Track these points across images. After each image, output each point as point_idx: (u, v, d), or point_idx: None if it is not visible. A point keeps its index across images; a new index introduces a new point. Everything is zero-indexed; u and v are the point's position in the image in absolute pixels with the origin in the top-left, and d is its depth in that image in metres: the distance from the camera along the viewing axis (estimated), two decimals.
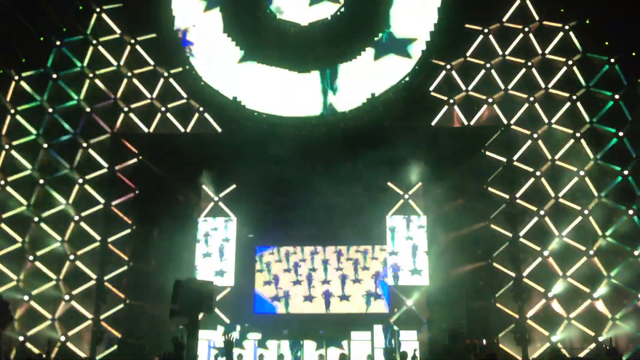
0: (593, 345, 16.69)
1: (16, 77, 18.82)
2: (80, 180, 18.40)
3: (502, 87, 18.66)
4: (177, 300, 7.07)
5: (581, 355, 16.56)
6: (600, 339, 16.68)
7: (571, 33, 18.71)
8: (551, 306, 17.32)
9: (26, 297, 17.44)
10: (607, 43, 18.42)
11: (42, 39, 19.11)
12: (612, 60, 18.26)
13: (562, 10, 18.85)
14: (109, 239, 18.23)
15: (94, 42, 19.25)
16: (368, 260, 19.78)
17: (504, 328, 17.46)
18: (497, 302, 17.75)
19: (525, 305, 17.37)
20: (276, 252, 20.03)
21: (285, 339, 17.51)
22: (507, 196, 18.18)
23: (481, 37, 19.03)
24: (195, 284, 7.06)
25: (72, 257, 17.88)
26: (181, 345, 8.14)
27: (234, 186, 20.17)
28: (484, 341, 17.29)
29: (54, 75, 18.91)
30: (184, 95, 19.05)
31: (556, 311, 17.25)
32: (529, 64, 18.64)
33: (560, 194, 17.89)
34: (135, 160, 19.11)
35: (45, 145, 18.49)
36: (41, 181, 18.29)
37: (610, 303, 17.07)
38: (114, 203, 18.51)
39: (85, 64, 19.14)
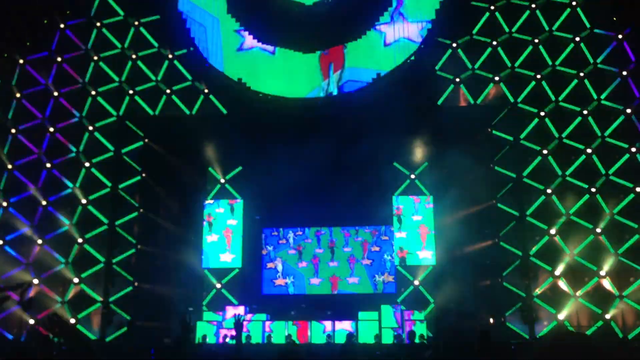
0: (600, 323, 16.72)
1: (21, 61, 18.81)
2: (87, 164, 18.44)
3: (509, 65, 18.50)
4: None
5: (588, 333, 16.62)
6: (607, 316, 16.71)
7: (578, 9, 18.50)
8: (558, 284, 17.32)
9: (36, 281, 17.59)
10: (615, 19, 18.21)
11: (45, 21, 19.06)
12: (620, 36, 18.07)
13: None
14: (117, 222, 18.30)
15: (98, 24, 19.17)
16: (368, 242, 19.80)
17: (511, 306, 17.48)
18: (504, 280, 17.76)
19: (532, 284, 17.37)
20: (282, 234, 20.07)
21: (293, 319, 17.55)
22: (514, 175, 18.11)
23: (487, 14, 18.82)
24: None
25: (80, 240, 17.99)
26: (188, 326, 8.21)
27: (240, 168, 20.17)
28: (491, 320, 17.40)
29: (59, 59, 18.89)
30: (189, 77, 18.98)
31: (563, 289, 17.26)
32: (536, 41, 18.45)
33: (568, 172, 17.81)
34: (141, 143, 19.11)
35: (51, 129, 18.52)
36: (48, 165, 18.34)
37: (617, 280, 17.05)
38: (120, 186, 18.54)
39: (89, 46, 19.10)
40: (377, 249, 19.73)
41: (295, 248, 19.96)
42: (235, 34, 19.31)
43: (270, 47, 19.10)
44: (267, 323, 17.17)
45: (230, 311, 17.56)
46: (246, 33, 19.32)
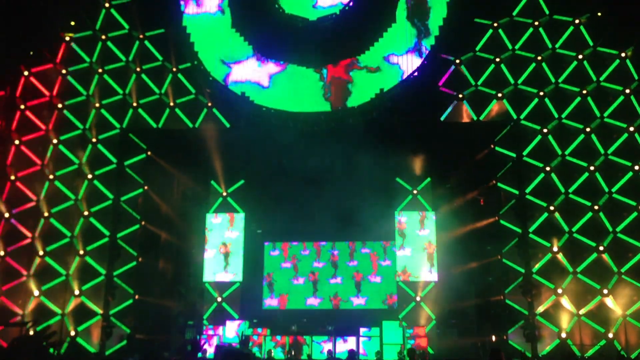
0: (603, 342, 16.60)
1: (26, 73, 18.88)
2: (90, 176, 18.44)
3: (512, 81, 18.53)
4: None
5: (590, 352, 16.51)
6: (610, 335, 16.61)
7: (582, 27, 18.56)
8: (560, 302, 17.22)
9: (36, 292, 17.53)
10: (618, 36, 18.25)
11: (49, 32, 19.13)
12: (623, 54, 18.12)
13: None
14: (118, 234, 18.25)
15: (103, 37, 19.26)
16: (378, 256, 19.68)
17: (514, 324, 17.36)
18: (507, 298, 17.66)
19: (534, 302, 17.25)
20: (284, 248, 19.97)
21: (293, 334, 17.43)
22: (516, 191, 18.06)
23: (491, 31, 18.88)
24: (234, 354, 6.84)
25: (81, 252, 17.94)
26: (198, 345, 8.25)
27: (242, 181, 20.17)
28: (493, 337, 17.28)
29: (63, 71, 18.96)
30: (193, 90, 19.03)
31: (566, 307, 17.16)
32: (539, 58, 18.49)
33: (571, 190, 17.77)
34: (144, 155, 19.11)
35: (54, 141, 18.54)
36: (51, 176, 18.34)
37: (621, 299, 16.95)
38: (122, 198, 18.51)
39: (94, 59, 19.17)
40: (388, 262, 19.47)
41: (289, 261, 19.75)
42: (220, 64, 19.25)
43: (265, 82, 19.04)
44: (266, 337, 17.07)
45: (229, 325, 17.49)
46: (234, 65, 19.18)
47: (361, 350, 16.64)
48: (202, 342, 16.09)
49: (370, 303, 19.19)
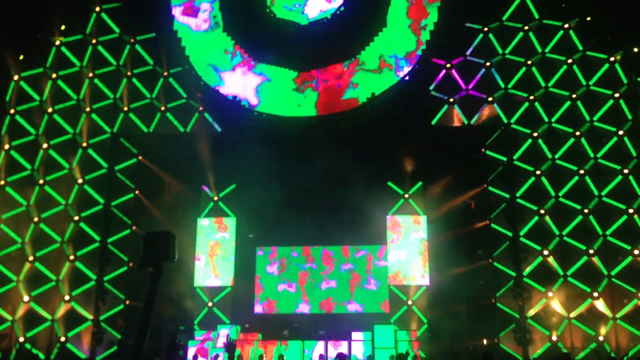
0: (594, 345, 16.66)
1: (16, 77, 18.78)
2: (80, 181, 18.35)
3: (502, 86, 18.60)
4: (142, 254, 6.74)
5: (581, 354, 16.57)
6: (601, 338, 16.67)
7: (571, 31, 18.66)
8: (551, 306, 17.28)
9: (26, 298, 17.42)
10: (607, 41, 18.37)
11: (39, 35, 19.06)
12: (612, 59, 18.23)
13: (563, 4, 18.81)
14: (109, 240, 18.16)
15: (93, 41, 19.19)
16: (369, 260, 19.66)
17: (505, 328, 17.40)
18: (498, 301, 17.71)
19: (525, 305, 17.30)
20: (275, 252, 19.92)
21: (285, 339, 17.39)
22: (507, 195, 18.12)
23: (481, 35, 18.96)
24: (152, 236, 6.48)
25: (71, 257, 17.84)
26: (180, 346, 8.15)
27: (233, 186, 20.12)
28: (485, 341, 17.31)
29: (54, 75, 18.88)
30: (184, 94, 18.98)
31: (556, 311, 17.22)
32: (529, 62, 18.58)
33: (561, 193, 17.85)
34: (134, 160, 19.05)
35: (45, 146, 18.45)
36: (41, 181, 18.24)
37: (611, 302, 17.03)
38: (113, 203, 18.43)
39: (84, 63, 19.10)
40: (382, 266, 19.43)
41: (280, 265, 19.62)
42: (212, 70, 19.17)
43: (254, 101, 18.95)
44: (258, 343, 17.03)
45: (221, 330, 17.43)
46: (226, 75, 19.12)
47: (359, 355, 16.69)
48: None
49: (366, 308, 19.12)
